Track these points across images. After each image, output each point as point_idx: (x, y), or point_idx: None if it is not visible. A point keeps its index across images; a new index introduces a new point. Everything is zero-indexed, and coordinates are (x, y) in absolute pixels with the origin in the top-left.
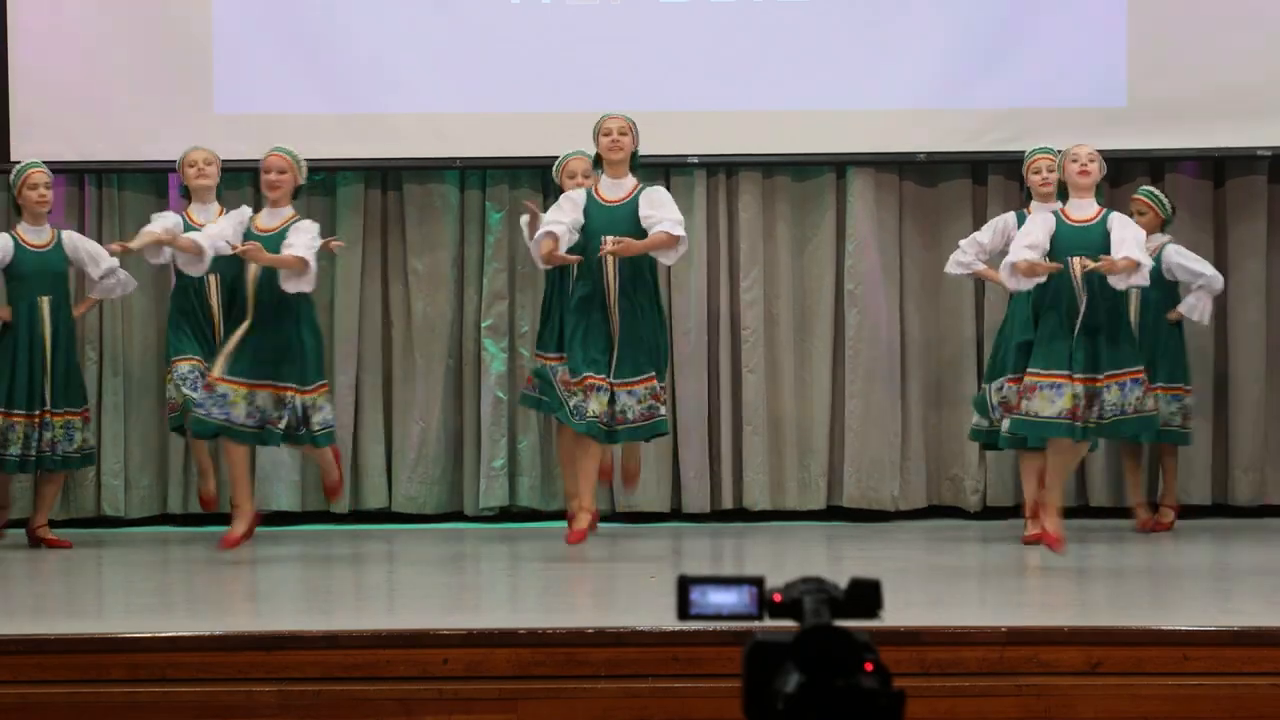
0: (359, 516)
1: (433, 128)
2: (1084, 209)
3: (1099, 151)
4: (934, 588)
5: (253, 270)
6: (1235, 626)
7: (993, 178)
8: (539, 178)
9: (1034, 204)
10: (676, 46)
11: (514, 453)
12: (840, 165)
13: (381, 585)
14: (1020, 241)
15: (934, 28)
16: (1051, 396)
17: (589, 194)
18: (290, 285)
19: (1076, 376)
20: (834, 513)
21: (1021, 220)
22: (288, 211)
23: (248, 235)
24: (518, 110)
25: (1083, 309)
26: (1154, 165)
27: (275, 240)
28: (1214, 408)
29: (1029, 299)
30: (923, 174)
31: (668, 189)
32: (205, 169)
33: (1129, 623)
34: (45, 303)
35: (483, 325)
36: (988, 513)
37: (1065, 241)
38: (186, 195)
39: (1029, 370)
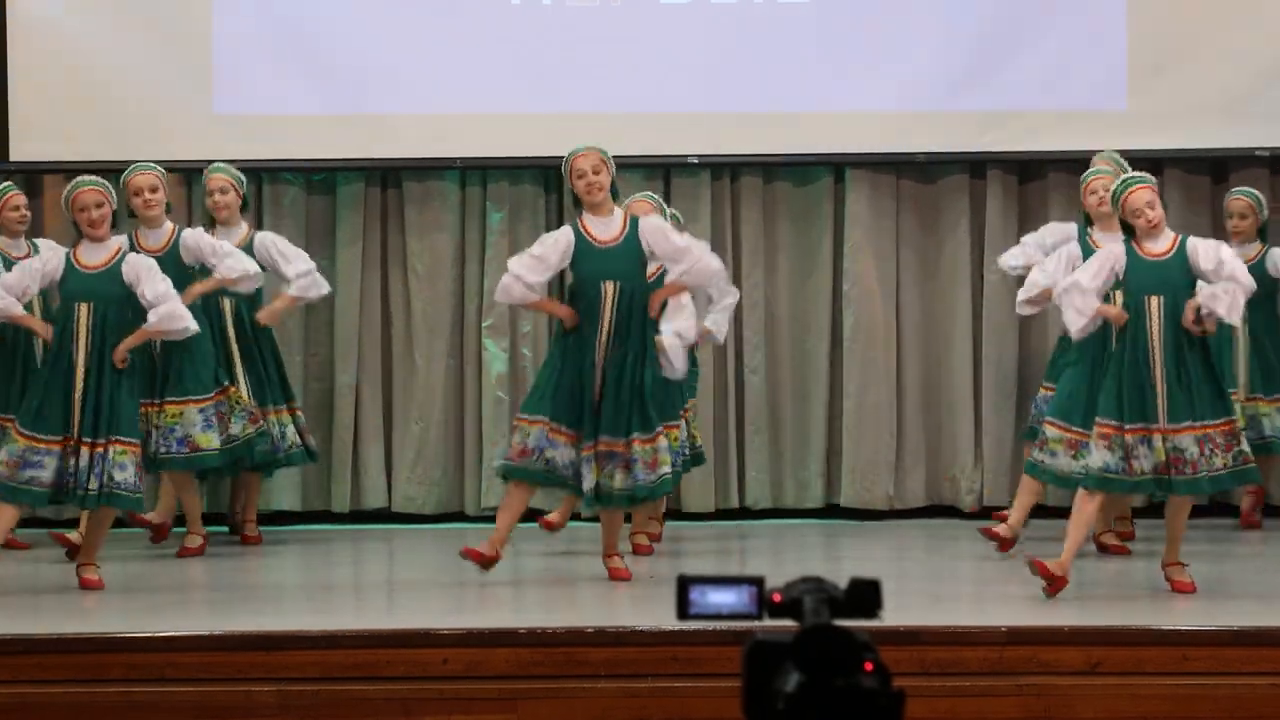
0: (359, 516)
1: (433, 128)
2: (1158, 241)
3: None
4: (934, 587)
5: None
6: (1235, 627)
7: (991, 178)
8: (540, 177)
9: (1097, 232)
10: (676, 47)
11: None
12: (839, 166)
13: (381, 585)
14: (1086, 279)
15: (933, 29)
16: (1143, 453)
17: (577, 233)
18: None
19: (1152, 428)
20: (831, 511)
21: (1084, 243)
22: (114, 244)
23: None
24: (518, 111)
25: (1158, 353)
26: (1154, 166)
27: (105, 277)
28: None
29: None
30: (921, 175)
31: (668, 190)
32: (151, 197)
33: (1129, 623)
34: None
35: (483, 325)
36: (985, 512)
37: (1139, 279)
38: (132, 216)
39: (1100, 420)
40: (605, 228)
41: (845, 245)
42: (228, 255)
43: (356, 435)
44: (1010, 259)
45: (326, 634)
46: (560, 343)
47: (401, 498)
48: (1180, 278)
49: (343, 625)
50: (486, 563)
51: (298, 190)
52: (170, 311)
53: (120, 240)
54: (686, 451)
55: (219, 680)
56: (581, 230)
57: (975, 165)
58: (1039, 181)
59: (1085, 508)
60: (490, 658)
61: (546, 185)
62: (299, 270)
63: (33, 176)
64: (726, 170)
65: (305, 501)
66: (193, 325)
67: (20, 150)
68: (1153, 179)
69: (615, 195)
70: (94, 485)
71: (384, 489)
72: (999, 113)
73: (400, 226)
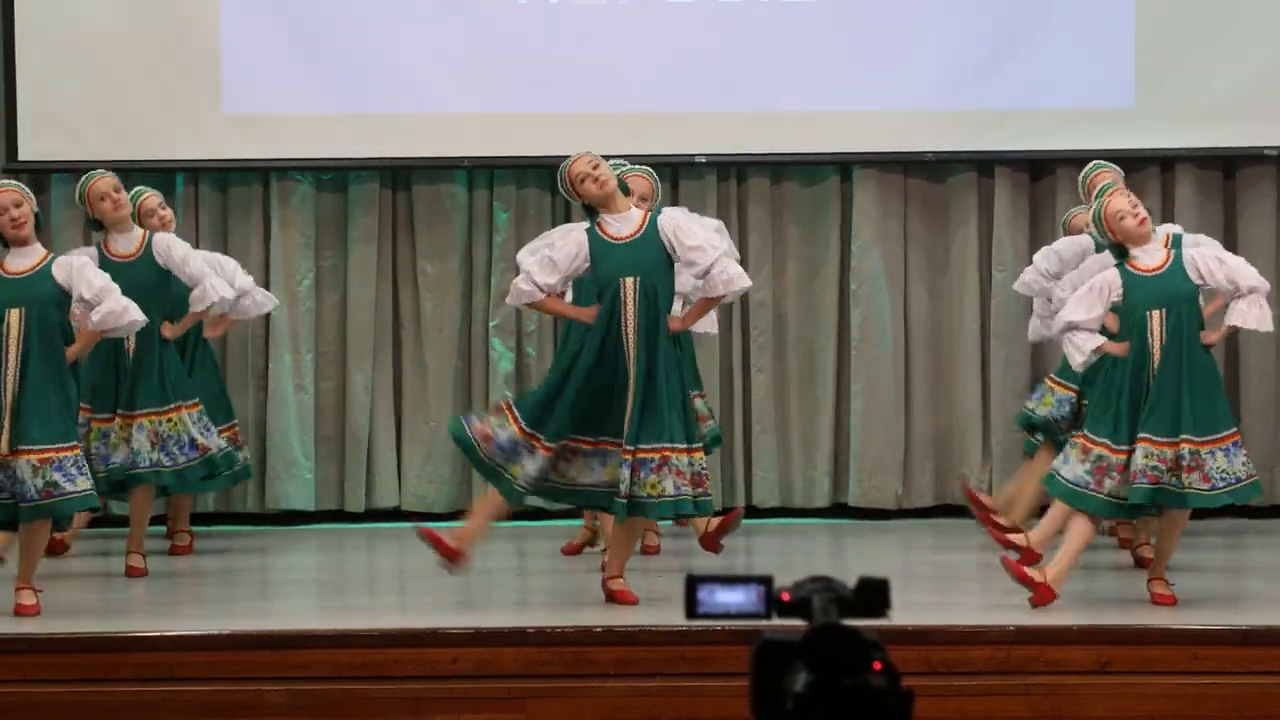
0: (370, 515)
1: (440, 128)
2: (1152, 255)
3: (1107, 152)
4: (942, 587)
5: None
6: (1244, 626)
7: (999, 177)
8: (546, 178)
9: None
10: (683, 47)
11: None
12: (846, 166)
13: (391, 584)
14: (1078, 310)
15: (941, 28)
16: (1157, 467)
17: (592, 235)
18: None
19: (1160, 440)
20: (839, 511)
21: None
22: (39, 249)
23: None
24: (524, 110)
25: (1155, 369)
26: (1163, 165)
27: (29, 283)
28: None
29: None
30: (928, 173)
31: (676, 190)
32: (119, 198)
33: (1138, 622)
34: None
35: (490, 325)
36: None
37: (1139, 295)
38: (98, 225)
39: (1108, 444)
40: (622, 224)
41: (853, 244)
42: (196, 282)
43: (370, 435)
44: (1029, 285)
45: (336, 633)
46: (576, 347)
47: (412, 496)
48: (1180, 288)
49: (352, 624)
50: (452, 557)
51: (307, 189)
52: (111, 309)
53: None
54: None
55: (228, 679)
56: (597, 230)
57: (983, 164)
58: (1048, 179)
59: (1080, 522)
60: (499, 657)
61: (553, 186)
62: (239, 289)
63: (41, 176)
64: (733, 170)
65: (318, 501)
66: (139, 317)
67: (29, 149)
68: (1118, 173)
69: (626, 190)
70: (32, 495)
71: (395, 488)
72: (1007, 111)
73: (409, 227)
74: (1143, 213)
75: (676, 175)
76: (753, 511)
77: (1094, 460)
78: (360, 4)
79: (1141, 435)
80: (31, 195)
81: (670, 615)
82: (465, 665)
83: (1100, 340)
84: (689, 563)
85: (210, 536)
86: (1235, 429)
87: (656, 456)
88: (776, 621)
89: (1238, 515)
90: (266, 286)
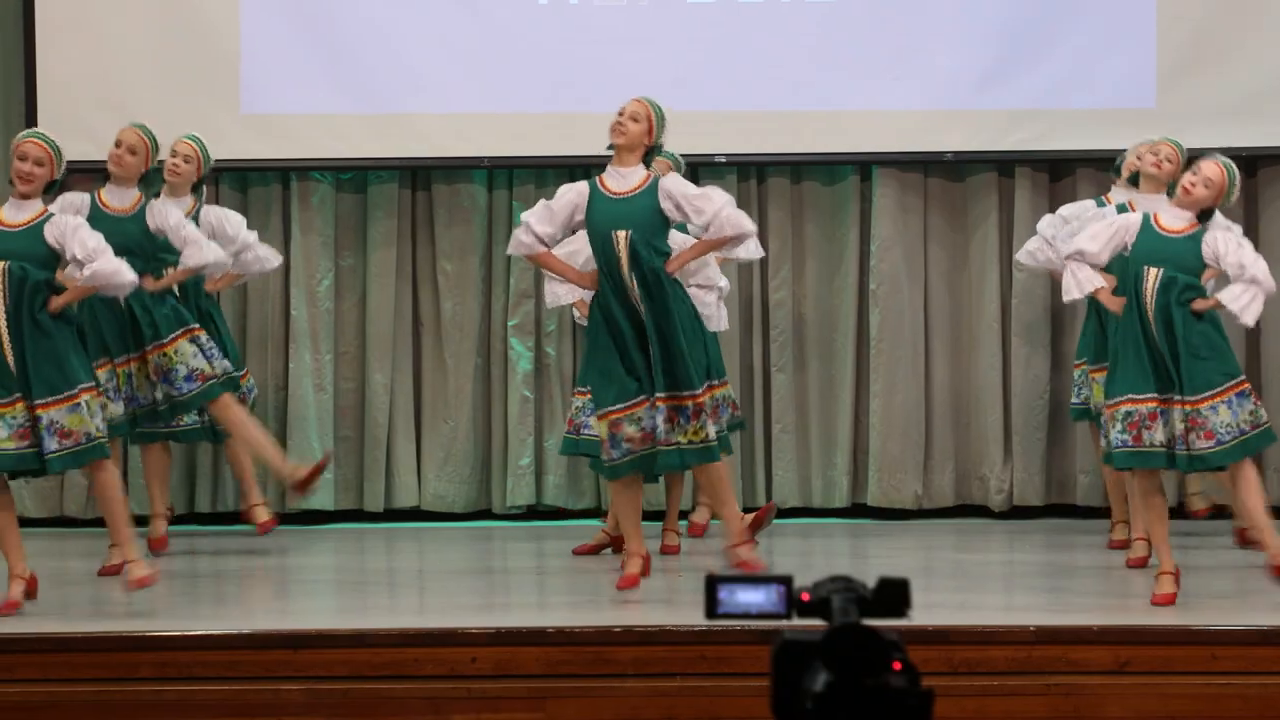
0: (390, 515)
1: (459, 128)
2: (1177, 217)
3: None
4: (962, 587)
5: None
6: (1263, 626)
7: (1020, 176)
8: (565, 177)
9: (1138, 195)
10: (703, 46)
11: (540, 451)
12: (866, 165)
13: (410, 584)
14: (1088, 240)
15: (961, 27)
16: (1158, 425)
17: (592, 186)
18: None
19: (1176, 400)
20: (859, 511)
21: (1122, 207)
22: (38, 205)
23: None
24: (544, 110)
25: (1155, 328)
26: (1185, 162)
27: (19, 238)
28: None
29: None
30: (948, 173)
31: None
32: (125, 157)
33: (1157, 622)
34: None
35: (510, 325)
36: (1014, 512)
37: (1146, 250)
38: (105, 177)
39: (1131, 397)
40: (622, 180)
41: (873, 244)
42: (192, 242)
43: (390, 434)
44: (1033, 254)
45: (355, 633)
46: (595, 314)
47: (431, 496)
48: (1186, 258)
49: (372, 624)
50: (646, 566)
51: (327, 188)
52: (101, 268)
53: (67, 201)
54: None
55: (248, 679)
56: (597, 183)
57: (1004, 163)
58: (1068, 179)
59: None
60: (519, 657)
61: None
62: (240, 244)
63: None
64: (754, 169)
65: (338, 500)
66: (130, 277)
67: None
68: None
69: (649, 160)
70: (53, 447)
71: (414, 487)
72: (1027, 111)
73: (429, 226)
74: (1195, 190)
75: (696, 174)
76: None
77: (1123, 419)
78: (380, 4)
79: (1155, 396)
80: (58, 154)
81: (690, 615)
82: (485, 665)
83: (1101, 283)
84: (709, 562)
85: (229, 536)
86: (1241, 378)
87: (691, 404)
88: (796, 621)
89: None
90: (287, 287)
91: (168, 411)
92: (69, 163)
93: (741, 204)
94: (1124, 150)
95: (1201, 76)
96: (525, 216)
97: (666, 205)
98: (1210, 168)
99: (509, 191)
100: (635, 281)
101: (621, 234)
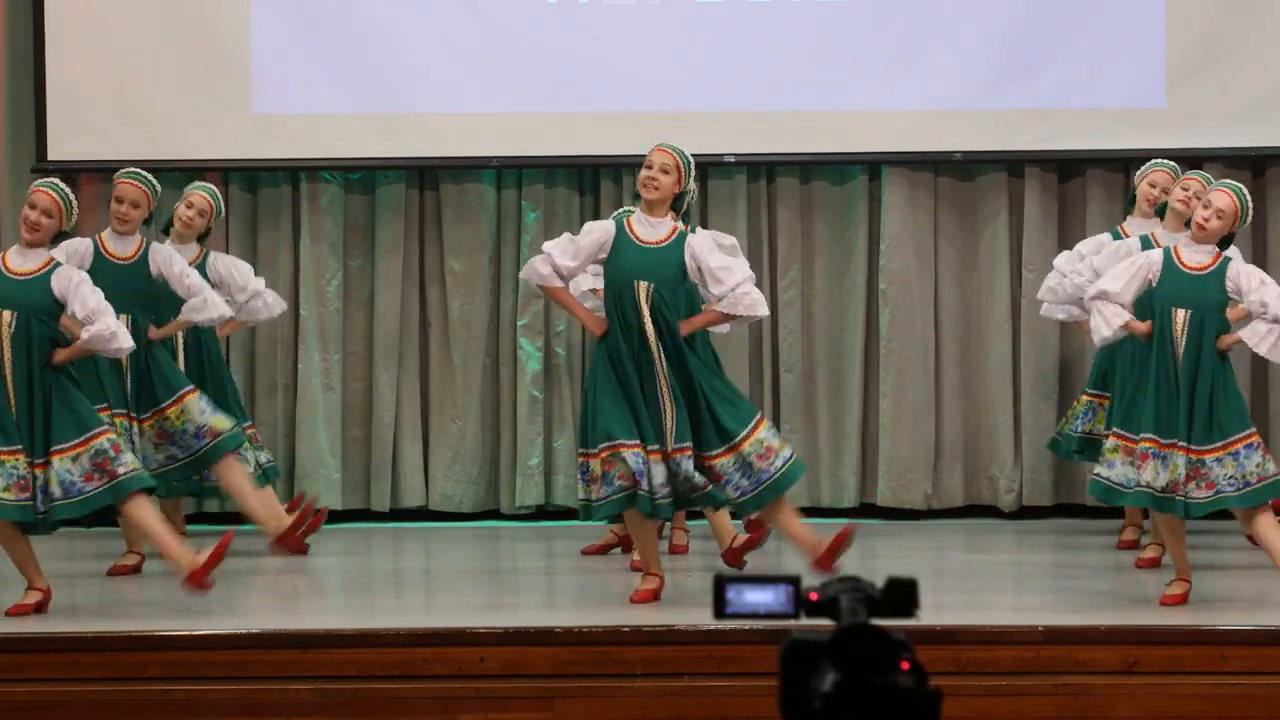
0: (398, 515)
1: (468, 127)
2: (1199, 252)
3: (1137, 152)
4: (970, 587)
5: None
6: (1272, 626)
7: (1029, 176)
8: (574, 177)
9: (1130, 221)
10: (712, 46)
11: (550, 451)
12: (875, 165)
13: (418, 584)
14: (1112, 281)
15: (971, 27)
16: (1157, 467)
17: (619, 227)
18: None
19: (1181, 446)
20: (868, 511)
21: (1146, 240)
22: (44, 254)
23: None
24: (553, 110)
25: (1181, 369)
26: (1192, 165)
27: (26, 288)
28: (1251, 411)
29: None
30: (958, 173)
31: (705, 189)
32: (130, 213)
33: (1166, 622)
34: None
35: (518, 324)
36: (1024, 512)
37: (1171, 288)
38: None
39: (1145, 436)
40: (651, 230)
41: (882, 244)
42: (195, 293)
43: (396, 435)
44: (1053, 290)
45: (363, 632)
46: (602, 356)
47: (439, 496)
48: (1214, 295)
49: (380, 624)
50: (658, 590)
51: (336, 189)
52: (100, 332)
53: (71, 248)
54: None
55: (256, 679)
56: (625, 226)
57: (1013, 163)
58: (1078, 179)
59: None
60: (527, 656)
61: (581, 185)
62: (250, 292)
63: (70, 176)
64: (762, 169)
65: (345, 500)
66: (127, 343)
67: (58, 150)
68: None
69: (680, 210)
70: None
71: (422, 487)
72: (1037, 111)
73: (437, 226)
74: (1209, 223)
75: (706, 175)
76: None
77: (1138, 454)
78: (389, 4)
79: (1162, 438)
80: (68, 205)
81: (698, 615)
82: (493, 665)
83: (1128, 317)
84: (717, 563)
85: (237, 536)
86: (1252, 429)
87: (706, 464)
88: (804, 621)
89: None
90: (296, 287)
91: (184, 470)
92: (78, 163)
93: (751, 204)
94: (1132, 154)
95: (1211, 76)
96: (548, 248)
97: (690, 266)
98: (1221, 199)
99: (518, 191)
100: (653, 333)
101: (644, 285)
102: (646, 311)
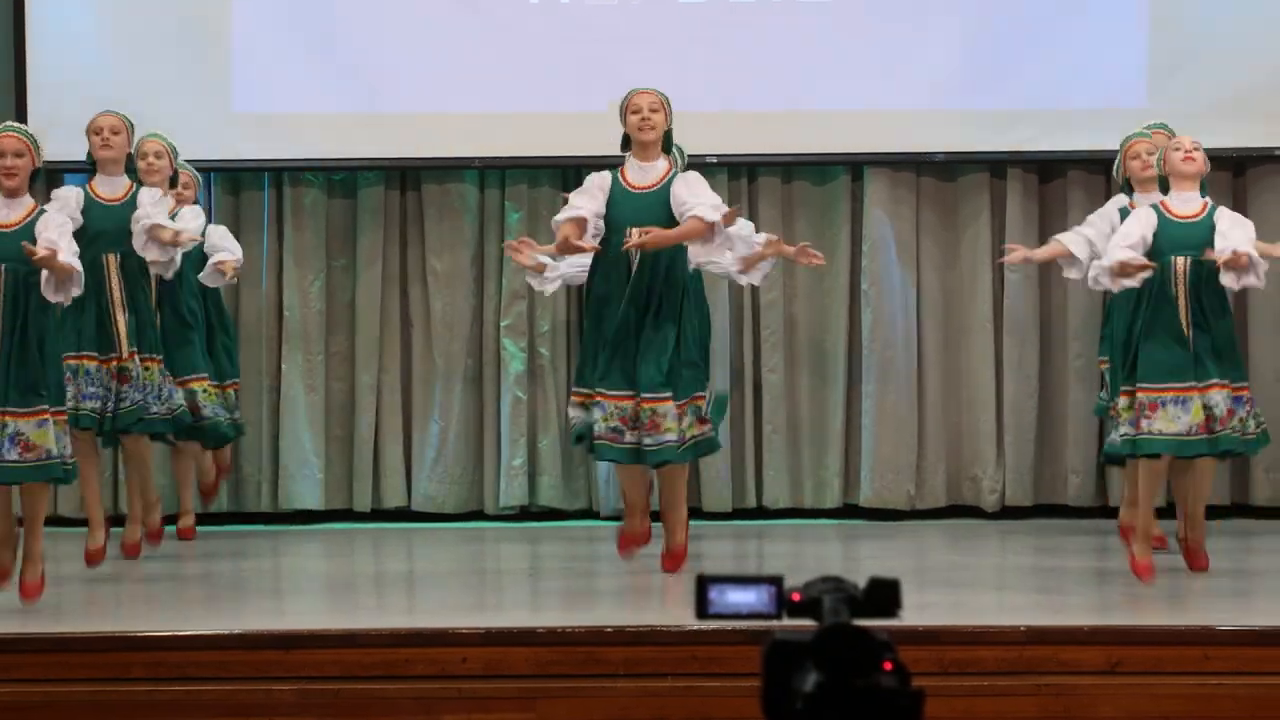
0: (379, 515)
1: (451, 127)
2: (1188, 203)
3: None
4: (953, 587)
5: None
6: (1256, 626)
7: (1011, 177)
8: (558, 177)
9: (1136, 196)
10: (694, 46)
11: (534, 452)
12: (857, 165)
13: (401, 584)
14: (1119, 241)
15: (952, 27)
16: (1177, 413)
17: (615, 178)
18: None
19: (1199, 386)
20: (850, 512)
21: (1125, 215)
22: (28, 201)
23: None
24: (536, 110)
25: (1185, 313)
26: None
27: (14, 239)
28: None
29: (1129, 302)
30: (941, 173)
31: None
32: (111, 139)
33: (1149, 622)
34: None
35: (502, 324)
36: (1007, 513)
37: (1167, 239)
38: (93, 166)
39: (1142, 385)
40: (643, 174)
41: (864, 244)
42: (164, 216)
43: (377, 435)
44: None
45: (346, 633)
46: (591, 304)
47: (421, 496)
48: (1209, 240)
49: (363, 624)
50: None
51: (318, 192)
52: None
53: (62, 196)
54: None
55: (239, 679)
56: (619, 176)
57: (995, 164)
58: (1059, 180)
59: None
60: (509, 657)
61: (565, 185)
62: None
63: (54, 175)
64: (744, 169)
65: (326, 500)
66: (75, 291)
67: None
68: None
69: (668, 147)
70: (12, 457)
71: (403, 488)
72: (1019, 111)
73: (420, 226)
74: (1195, 155)
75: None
76: (763, 513)
77: (1186, 406)
78: (371, 3)
79: (1177, 384)
80: (37, 145)
81: (681, 615)
82: (475, 665)
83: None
84: (700, 563)
85: (220, 537)
86: (1247, 382)
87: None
88: (787, 622)
89: (1244, 515)
90: (279, 288)
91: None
92: (60, 163)
93: (733, 203)
94: (1114, 155)
95: (1193, 77)
96: (572, 197)
97: (675, 200)
98: (1180, 138)
99: (501, 191)
100: (648, 278)
101: (637, 231)
102: (636, 257)
